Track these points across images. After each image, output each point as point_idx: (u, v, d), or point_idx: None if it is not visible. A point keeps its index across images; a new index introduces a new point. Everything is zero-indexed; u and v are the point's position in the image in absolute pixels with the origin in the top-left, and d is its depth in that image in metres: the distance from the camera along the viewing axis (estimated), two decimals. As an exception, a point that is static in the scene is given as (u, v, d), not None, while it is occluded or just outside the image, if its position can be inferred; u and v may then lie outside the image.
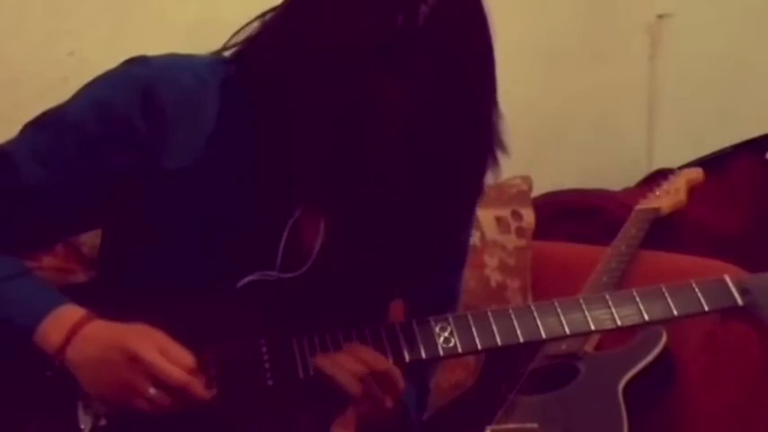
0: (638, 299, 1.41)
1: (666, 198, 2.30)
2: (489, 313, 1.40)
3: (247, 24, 1.34)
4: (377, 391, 1.35)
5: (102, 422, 1.33)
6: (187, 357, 1.31)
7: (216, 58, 1.36)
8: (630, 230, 2.16)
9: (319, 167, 1.25)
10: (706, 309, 1.41)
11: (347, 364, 1.34)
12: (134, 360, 1.28)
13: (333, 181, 1.26)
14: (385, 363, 1.35)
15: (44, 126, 1.38)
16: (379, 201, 1.24)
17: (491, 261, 2.22)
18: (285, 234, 1.36)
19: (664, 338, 1.83)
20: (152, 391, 1.28)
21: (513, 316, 1.39)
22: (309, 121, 1.23)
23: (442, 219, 1.32)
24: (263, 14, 1.33)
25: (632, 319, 1.41)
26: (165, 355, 1.29)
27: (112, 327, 1.33)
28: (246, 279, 1.36)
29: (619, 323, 1.40)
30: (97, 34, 2.07)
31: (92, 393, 1.32)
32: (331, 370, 1.33)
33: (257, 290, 1.36)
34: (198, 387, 1.30)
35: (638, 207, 2.27)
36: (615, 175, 2.67)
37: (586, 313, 1.40)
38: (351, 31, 1.21)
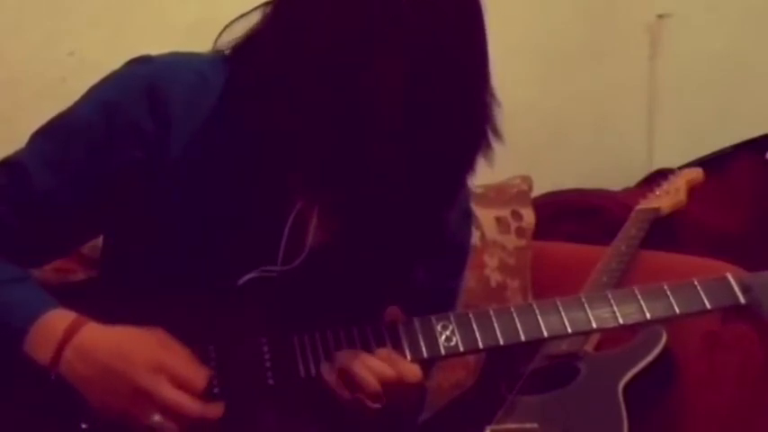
0: (640, 297, 1.41)
1: (666, 198, 2.30)
2: (491, 312, 1.40)
3: (244, 15, 1.33)
4: (399, 392, 1.34)
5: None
6: (199, 379, 1.30)
7: (217, 56, 1.36)
8: (630, 230, 2.16)
9: (319, 167, 1.25)
10: (708, 307, 1.41)
11: (375, 367, 1.33)
12: (143, 396, 1.27)
13: (333, 180, 1.26)
14: (412, 369, 1.35)
15: (52, 132, 1.38)
16: (379, 200, 1.24)
17: (491, 261, 2.22)
18: (287, 229, 1.36)
19: (664, 338, 1.83)
20: (157, 418, 1.27)
21: (515, 314, 1.39)
22: (309, 120, 1.23)
23: (435, 208, 1.32)
24: (264, 5, 1.32)
25: (634, 318, 1.40)
26: (177, 383, 1.28)
27: (111, 341, 1.31)
28: (247, 277, 1.36)
29: (621, 321, 1.40)
30: (97, 34, 2.07)
31: (89, 406, 1.30)
32: (360, 372, 1.33)
33: (258, 287, 1.36)
34: (212, 411, 1.29)
35: (638, 207, 2.27)
36: (615, 175, 2.67)
37: (588, 312, 1.40)
38: (349, 27, 1.21)
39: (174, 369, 1.29)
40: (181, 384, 1.29)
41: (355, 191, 1.24)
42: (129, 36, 2.08)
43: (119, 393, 1.28)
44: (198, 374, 1.30)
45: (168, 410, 1.27)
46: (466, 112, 1.25)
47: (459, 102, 1.24)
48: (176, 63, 1.38)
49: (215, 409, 1.30)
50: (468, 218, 1.55)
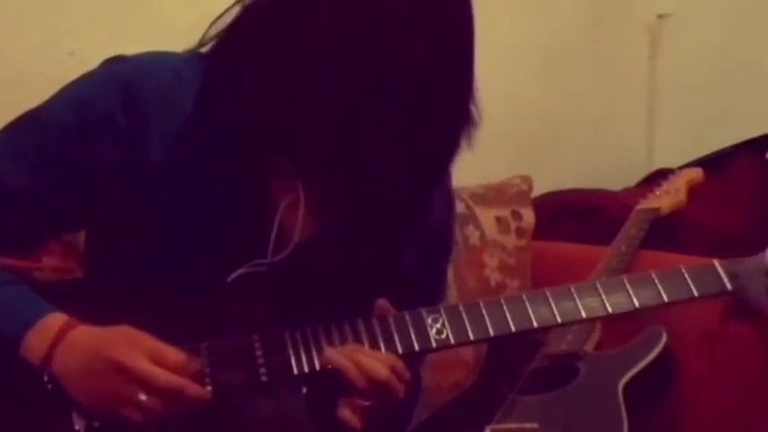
0: (628, 285, 1.40)
1: (666, 198, 2.30)
2: (481, 304, 1.39)
3: (225, 11, 1.33)
4: (388, 386, 1.34)
5: (96, 423, 1.31)
6: (178, 355, 1.29)
7: (193, 54, 1.36)
8: (630, 230, 2.16)
9: (319, 167, 1.25)
10: (696, 294, 1.41)
11: (360, 360, 1.33)
12: (121, 371, 1.27)
13: (332, 180, 1.26)
14: (391, 360, 1.34)
15: (23, 127, 1.37)
16: (378, 200, 1.24)
17: (491, 261, 2.22)
18: (276, 221, 1.35)
19: (664, 338, 1.84)
20: (142, 397, 1.27)
21: (504, 305, 1.39)
22: (308, 120, 1.23)
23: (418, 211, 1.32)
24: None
25: (623, 307, 1.40)
26: (155, 359, 1.28)
27: (95, 334, 1.31)
28: (236, 273, 1.36)
29: (610, 310, 1.40)
30: (97, 34, 2.07)
31: (81, 403, 1.30)
32: (344, 366, 1.32)
33: (248, 282, 1.36)
34: (194, 387, 1.29)
35: (638, 207, 2.27)
36: (615, 175, 2.67)
37: (577, 301, 1.40)
38: (348, 27, 1.21)
39: (151, 345, 1.29)
40: (159, 358, 1.28)
41: (355, 191, 1.24)
42: (129, 36, 2.09)
43: (101, 377, 1.28)
44: (176, 351, 1.30)
45: (145, 383, 1.27)
46: (461, 113, 1.25)
47: (456, 102, 1.25)
48: (152, 61, 1.37)
49: (196, 386, 1.29)
50: (448, 197, 1.53)
